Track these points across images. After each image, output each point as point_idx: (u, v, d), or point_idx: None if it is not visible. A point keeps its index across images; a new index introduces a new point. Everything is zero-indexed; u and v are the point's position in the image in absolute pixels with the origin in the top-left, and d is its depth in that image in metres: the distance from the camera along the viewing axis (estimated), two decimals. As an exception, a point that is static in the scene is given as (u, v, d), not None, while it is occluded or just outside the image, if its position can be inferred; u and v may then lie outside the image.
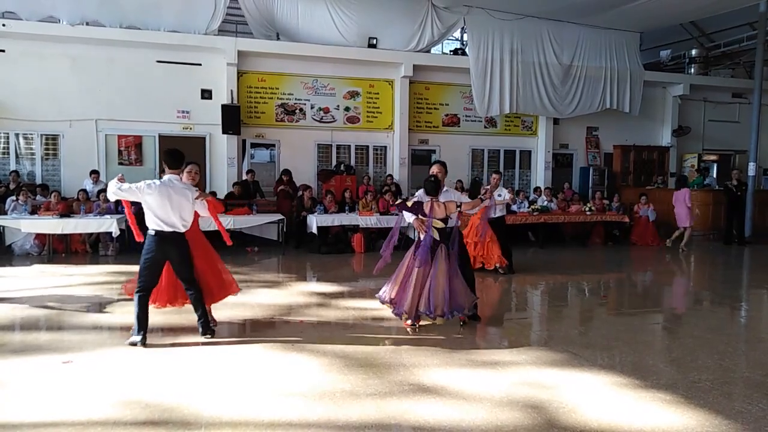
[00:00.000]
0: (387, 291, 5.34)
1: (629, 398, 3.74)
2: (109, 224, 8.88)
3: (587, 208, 11.70)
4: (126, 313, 5.76)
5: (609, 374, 4.17)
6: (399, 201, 5.30)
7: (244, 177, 11.96)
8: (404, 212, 5.31)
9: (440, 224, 5.10)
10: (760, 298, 7.83)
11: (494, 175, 8.18)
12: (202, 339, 4.83)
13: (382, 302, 5.36)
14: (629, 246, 11.80)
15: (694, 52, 15.68)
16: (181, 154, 4.97)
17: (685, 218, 11.21)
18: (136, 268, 7.87)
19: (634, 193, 13.32)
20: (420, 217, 5.16)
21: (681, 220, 11.29)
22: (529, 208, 11.66)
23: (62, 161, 11.26)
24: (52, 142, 11.25)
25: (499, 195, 8.08)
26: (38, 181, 11.04)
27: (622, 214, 11.94)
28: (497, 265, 8.21)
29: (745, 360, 4.80)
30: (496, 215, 8.10)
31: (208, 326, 4.92)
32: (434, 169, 5.48)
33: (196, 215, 5.06)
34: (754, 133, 13.75)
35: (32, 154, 11.20)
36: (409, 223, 5.43)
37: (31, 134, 11.14)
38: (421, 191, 5.38)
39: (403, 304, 5.11)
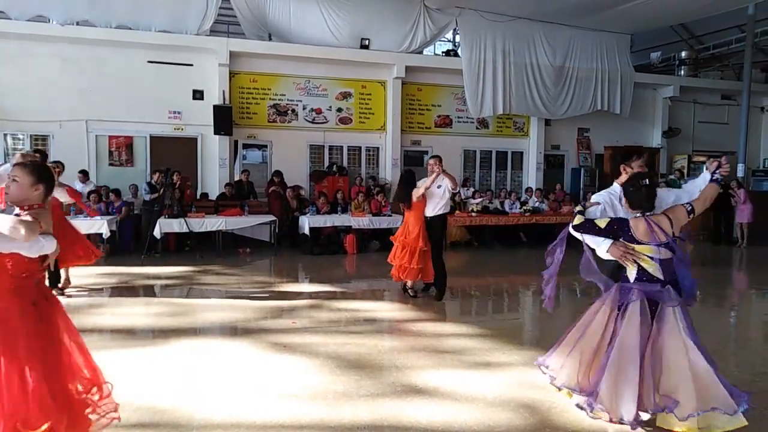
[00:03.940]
0: (566, 370, 3.24)
1: (620, 398, 3.76)
2: (99, 225, 8.82)
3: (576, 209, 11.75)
4: (116, 315, 5.74)
5: (600, 374, 4.19)
6: (578, 210, 3.33)
7: (236, 177, 11.94)
8: (589, 237, 3.25)
9: (667, 253, 3.08)
10: (748, 297, 7.91)
11: (431, 161, 6.52)
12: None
13: (558, 387, 3.29)
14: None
15: (683, 54, 15.80)
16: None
17: None
18: (127, 269, 7.82)
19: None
20: (624, 242, 3.14)
21: None
22: (521, 208, 11.72)
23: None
24: (41, 142, 11.14)
25: (439, 186, 6.46)
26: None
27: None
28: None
29: (735, 360, 4.85)
30: (437, 212, 6.49)
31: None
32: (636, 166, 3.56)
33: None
34: (743, 135, 13.91)
35: (21, 154, 11.09)
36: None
37: (20, 135, 11.03)
38: (603, 195, 3.50)
39: (606, 394, 3.02)
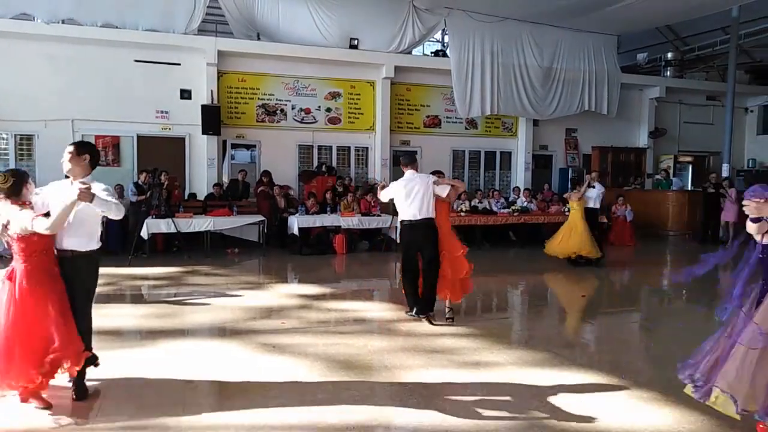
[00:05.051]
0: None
1: (608, 396, 3.80)
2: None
3: (566, 209, 11.82)
4: (102, 317, 5.67)
5: (588, 373, 4.23)
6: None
7: (225, 177, 11.91)
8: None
9: None
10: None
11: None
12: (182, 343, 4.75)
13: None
14: (607, 246, 11.95)
15: (669, 55, 15.98)
16: None
17: None
18: (113, 270, 7.75)
19: (612, 193, 13.50)
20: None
21: None
22: (509, 208, 11.78)
23: (37, 162, 11.01)
24: (26, 142, 11.00)
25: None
26: (12, 182, 10.80)
27: (601, 215, 12.07)
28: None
29: (720, 357, 4.90)
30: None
31: None
32: None
33: None
34: (728, 135, 14.10)
35: (6, 154, 10.95)
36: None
37: (5, 134, 10.89)
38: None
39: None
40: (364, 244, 10.73)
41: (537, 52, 13.90)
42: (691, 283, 8.79)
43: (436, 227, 5.51)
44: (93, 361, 3.68)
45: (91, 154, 3.62)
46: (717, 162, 15.45)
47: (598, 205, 9.42)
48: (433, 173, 5.69)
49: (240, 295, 6.77)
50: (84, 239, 3.53)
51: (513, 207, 11.75)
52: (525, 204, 12.03)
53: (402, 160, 5.84)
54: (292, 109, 12.63)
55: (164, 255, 9.67)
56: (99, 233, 3.64)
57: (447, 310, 5.61)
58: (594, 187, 9.30)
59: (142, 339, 5.03)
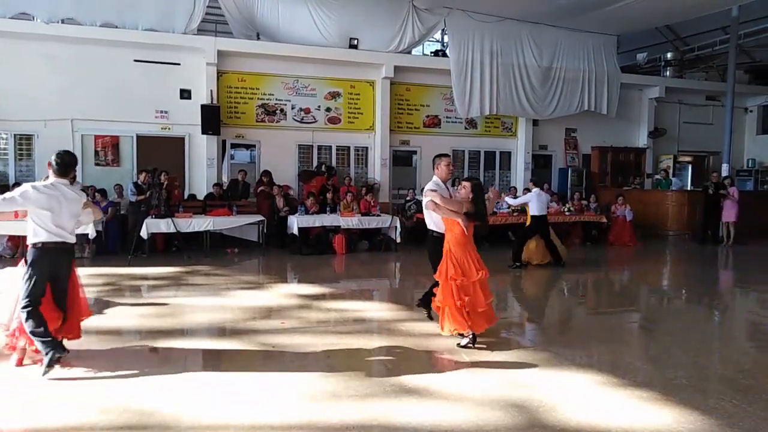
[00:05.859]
0: None
1: (607, 396, 3.80)
2: (86, 226, 8.71)
3: (566, 209, 11.85)
4: (102, 316, 5.67)
5: (587, 373, 4.23)
6: None
7: (224, 177, 11.90)
8: None
9: None
10: (733, 296, 8.01)
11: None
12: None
13: None
14: (607, 246, 11.97)
15: (669, 55, 15.99)
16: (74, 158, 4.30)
17: None
18: (113, 270, 7.72)
19: (612, 193, 13.53)
20: None
21: None
22: (508, 208, 11.78)
23: (37, 162, 11.00)
24: (26, 142, 11.00)
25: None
26: (11, 182, 10.79)
27: (600, 215, 12.11)
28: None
29: (719, 357, 4.92)
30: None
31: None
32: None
33: None
34: (727, 135, 14.11)
35: (5, 154, 10.95)
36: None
37: (4, 134, 10.88)
38: None
39: None
40: (363, 244, 10.73)
41: (536, 52, 13.90)
42: (691, 283, 8.82)
43: (437, 240, 5.15)
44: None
45: (53, 161, 4.13)
46: (717, 162, 15.46)
47: (537, 212, 8.88)
48: (465, 180, 5.12)
49: (240, 295, 6.77)
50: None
51: (512, 207, 11.74)
52: (525, 204, 12.02)
53: None
54: (292, 109, 12.63)
55: (164, 255, 9.67)
56: (33, 229, 4.03)
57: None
58: (529, 191, 8.95)
59: (142, 339, 5.03)
